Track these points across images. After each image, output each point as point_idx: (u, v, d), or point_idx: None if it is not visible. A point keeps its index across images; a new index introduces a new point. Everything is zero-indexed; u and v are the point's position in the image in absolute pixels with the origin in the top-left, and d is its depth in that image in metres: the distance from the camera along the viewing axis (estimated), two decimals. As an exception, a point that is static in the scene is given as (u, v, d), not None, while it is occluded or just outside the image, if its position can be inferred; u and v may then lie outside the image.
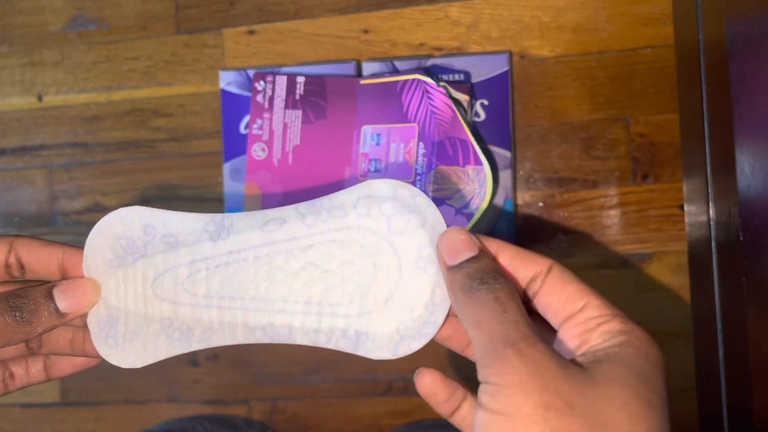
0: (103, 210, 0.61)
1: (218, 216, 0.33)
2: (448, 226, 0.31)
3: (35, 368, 0.37)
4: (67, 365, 0.36)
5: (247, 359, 0.60)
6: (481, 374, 0.26)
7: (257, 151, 0.55)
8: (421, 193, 0.31)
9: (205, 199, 0.60)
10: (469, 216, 0.52)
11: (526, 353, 0.25)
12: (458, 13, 0.56)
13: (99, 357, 0.35)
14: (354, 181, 0.54)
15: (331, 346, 0.31)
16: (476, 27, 0.56)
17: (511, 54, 0.55)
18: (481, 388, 0.26)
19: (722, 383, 0.44)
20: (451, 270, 0.30)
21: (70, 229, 0.62)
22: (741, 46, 0.39)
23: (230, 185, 0.57)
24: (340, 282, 0.31)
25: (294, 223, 0.32)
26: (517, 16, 0.55)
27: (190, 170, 0.60)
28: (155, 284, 0.33)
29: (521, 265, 0.30)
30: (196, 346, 0.33)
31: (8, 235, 0.36)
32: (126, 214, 0.33)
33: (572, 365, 0.26)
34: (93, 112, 0.61)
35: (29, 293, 0.32)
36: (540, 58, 0.55)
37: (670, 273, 0.54)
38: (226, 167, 0.57)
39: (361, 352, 0.30)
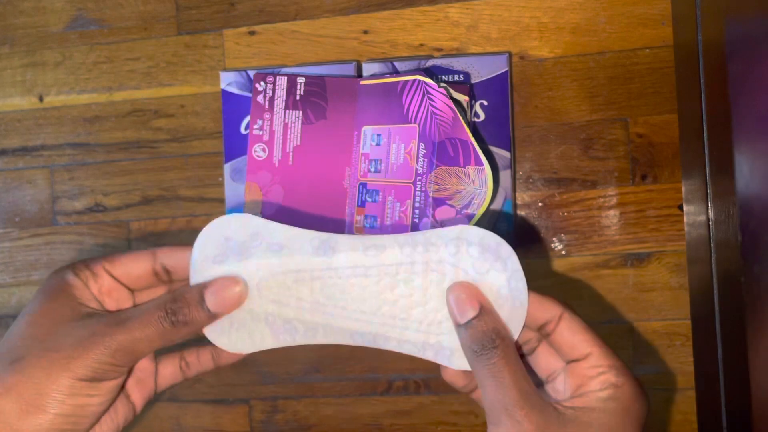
0: (104, 210, 0.61)
1: (324, 234, 0.38)
2: (510, 253, 0.36)
3: (205, 357, 0.42)
4: (230, 354, 0.40)
5: (248, 359, 0.60)
6: (488, 426, 0.31)
7: (258, 151, 0.55)
8: (506, 243, 0.36)
9: (206, 199, 0.60)
10: (470, 216, 0.52)
11: (517, 418, 0.31)
12: (458, 14, 0.56)
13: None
14: (354, 182, 0.54)
15: (420, 355, 0.37)
16: (476, 28, 0.56)
17: (510, 55, 0.55)
18: None
19: (721, 383, 0.44)
20: (458, 328, 0.35)
21: (71, 229, 0.62)
22: (740, 47, 0.39)
23: (231, 185, 0.57)
24: (429, 302, 0.36)
25: (392, 250, 0.37)
26: (516, 17, 0.55)
27: (191, 170, 0.60)
28: (261, 285, 0.38)
29: (537, 309, 0.35)
30: (300, 341, 0.38)
31: (150, 249, 0.40)
32: (238, 220, 0.38)
33: (554, 423, 0.31)
34: (94, 112, 0.62)
35: (184, 296, 0.36)
36: (539, 59, 0.55)
37: (669, 273, 0.54)
38: (227, 167, 0.57)
39: (444, 362, 0.36)
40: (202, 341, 0.44)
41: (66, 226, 0.62)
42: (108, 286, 0.39)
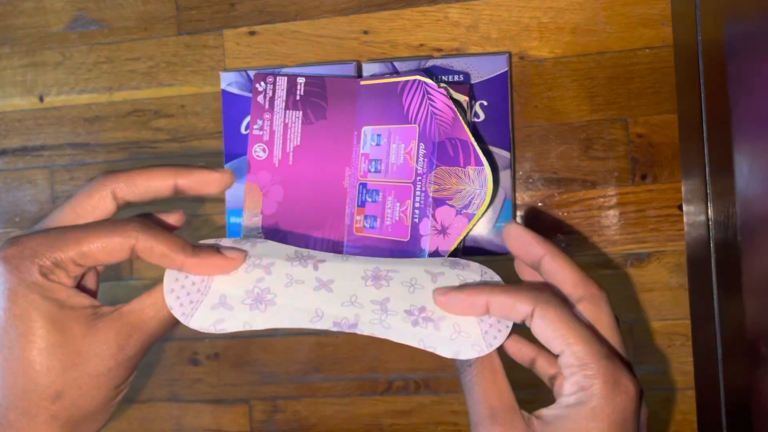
0: (104, 210, 0.61)
1: (330, 255, 0.42)
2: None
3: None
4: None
5: (248, 359, 0.60)
6: None
7: (258, 151, 0.55)
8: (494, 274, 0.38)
9: (206, 199, 0.60)
10: (470, 216, 0.52)
11: None
12: (458, 14, 0.56)
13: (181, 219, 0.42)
14: (354, 182, 0.54)
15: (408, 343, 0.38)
16: (476, 28, 0.56)
17: (510, 55, 0.55)
18: None
19: (721, 383, 0.44)
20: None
21: (71, 230, 0.62)
22: (739, 47, 0.39)
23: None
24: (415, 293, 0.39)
25: (407, 272, 0.41)
26: (516, 18, 0.55)
27: (191, 170, 0.60)
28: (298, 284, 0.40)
29: (510, 312, 0.34)
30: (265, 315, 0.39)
31: (104, 180, 0.38)
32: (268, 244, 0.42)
33: None
34: (94, 112, 0.62)
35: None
36: (539, 59, 0.55)
37: (669, 273, 0.54)
38: (227, 167, 0.57)
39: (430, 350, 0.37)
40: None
41: (66, 226, 0.62)
42: (75, 270, 0.36)
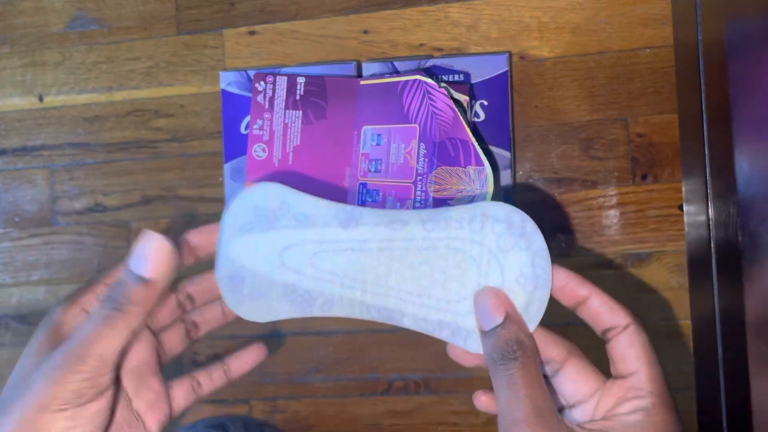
0: (104, 210, 0.61)
1: (349, 207, 0.39)
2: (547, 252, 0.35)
3: (217, 374, 0.41)
4: (240, 365, 0.40)
5: (248, 359, 0.60)
6: None
7: (258, 151, 0.55)
8: (531, 220, 0.35)
9: (206, 199, 0.60)
10: (469, 216, 0.52)
11: None
12: (458, 13, 0.56)
13: (262, 352, 0.41)
14: (354, 182, 0.54)
15: (435, 334, 0.36)
16: (476, 28, 0.56)
17: (510, 54, 0.55)
18: None
19: (721, 383, 0.44)
20: (483, 335, 0.34)
21: (71, 230, 0.62)
22: (740, 46, 0.39)
23: (231, 185, 0.57)
24: (449, 282, 0.36)
25: (415, 226, 0.37)
26: (516, 17, 0.55)
27: (191, 170, 0.60)
28: (284, 254, 0.38)
29: (604, 313, 0.34)
30: (316, 312, 0.38)
31: (68, 300, 0.38)
32: (267, 189, 0.39)
33: None
34: (94, 112, 0.62)
35: (118, 279, 0.35)
36: (539, 59, 0.55)
37: (669, 273, 0.54)
38: (227, 167, 0.57)
39: (460, 344, 0.36)
40: (212, 361, 0.44)
41: (66, 226, 0.62)
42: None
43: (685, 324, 0.54)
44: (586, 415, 0.34)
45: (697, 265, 0.50)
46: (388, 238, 0.37)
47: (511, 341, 0.33)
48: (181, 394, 0.41)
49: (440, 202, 0.52)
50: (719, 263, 0.44)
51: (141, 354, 0.39)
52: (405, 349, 0.58)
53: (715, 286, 0.44)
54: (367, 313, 0.37)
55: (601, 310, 0.34)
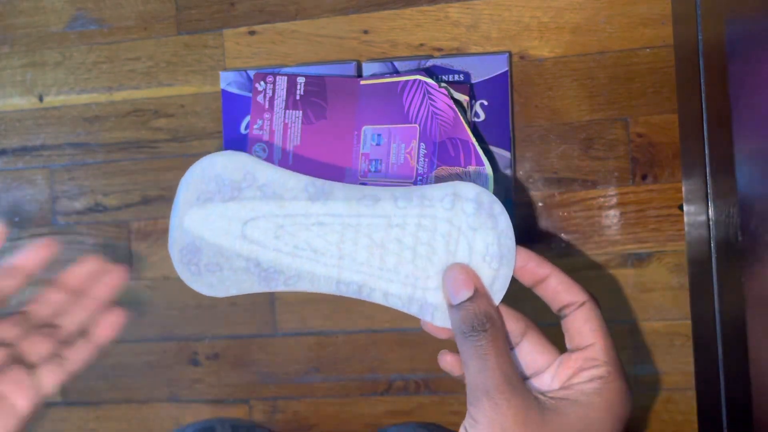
0: (103, 210, 0.61)
1: (319, 181, 0.37)
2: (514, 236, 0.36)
3: (81, 343, 0.40)
4: (102, 331, 0.39)
5: (248, 359, 0.60)
6: (468, 407, 0.32)
7: (258, 151, 0.55)
8: (499, 201, 0.36)
9: (206, 199, 0.60)
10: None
11: (497, 402, 0.32)
12: (458, 13, 0.56)
13: (121, 313, 0.38)
14: (354, 182, 0.54)
15: (404, 309, 0.36)
16: (476, 28, 0.56)
17: (510, 54, 0.55)
18: (466, 416, 0.33)
19: (721, 383, 0.44)
20: (451, 309, 0.35)
21: (71, 229, 0.62)
22: (740, 46, 0.39)
23: (231, 185, 0.57)
24: (419, 258, 0.36)
25: (387, 202, 0.37)
26: (516, 17, 0.55)
27: (191, 170, 0.60)
28: (246, 226, 0.37)
29: (563, 291, 0.36)
30: (280, 287, 0.37)
31: None
32: (231, 158, 0.37)
33: (534, 410, 0.32)
34: (94, 112, 0.62)
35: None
36: (539, 59, 0.55)
37: (669, 273, 0.54)
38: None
39: (427, 318, 0.36)
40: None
41: (66, 226, 0.62)
42: None
43: (686, 324, 0.54)
44: (544, 384, 0.36)
45: (698, 265, 0.50)
46: (358, 214, 0.36)
47: (480, 314, 0.35)
48: (47, 371, 0.40)
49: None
50: (719, 263, 0.44)
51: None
52: (405, 349, 0.58)
53: (715, 286, 0.44)
54: (336, 288, 0.37)
55: (559, 288, 0.36)
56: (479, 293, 0.35)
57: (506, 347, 0.34)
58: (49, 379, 0.40)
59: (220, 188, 0.37)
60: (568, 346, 0.35)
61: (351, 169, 0.54)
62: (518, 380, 0.33)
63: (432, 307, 0.36)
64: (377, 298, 0.37)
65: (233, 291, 0.37)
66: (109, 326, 0.40)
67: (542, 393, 0.34)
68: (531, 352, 0.36)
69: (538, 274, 0.36)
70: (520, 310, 0.37)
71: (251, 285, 0.37)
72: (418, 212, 0.36)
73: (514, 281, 0.36)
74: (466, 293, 0.35)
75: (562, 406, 0.33)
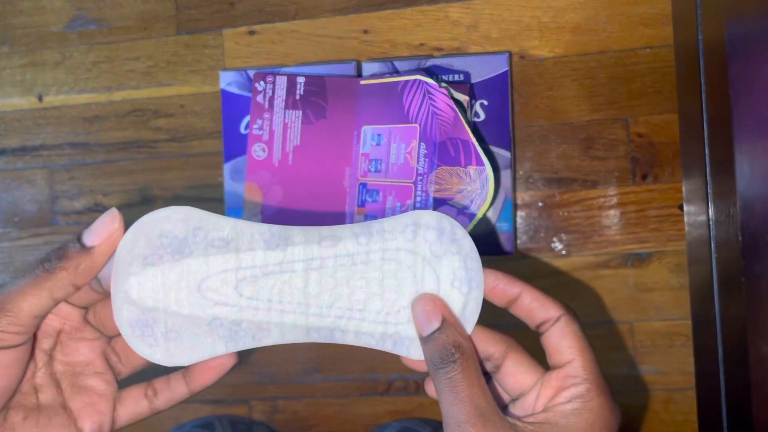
0: (103, 210, 0.61)
1: (275, 227, 0.35)
2: (471, 245, 0.35)
3: (176, 381, 0.38)
4: (203, 375, 0.37)
5: (248, 359, 0.60)
6: None
7: (257, 151, 0.55)
8: (460, 226, 0.36)
9: (206, 199, 0.60)
10: (471, 216, 0.52)
11: None
12: (458, 13, 0.56)
13: (229, 360, 0.36)
14: (354, 182, 0.54)
15: (378, 347, 0.36)
16: (476, 27, 0.56)
17: (510, 54, 0.55)
18: None
19: (722, 383, 0.44)
20: (422, 340, 0.35)
21: (71, 229, 0.62)
22: (740, 46, 0.39)
23: (230, 185, 0.57)
24: (386, 293, 0.35)
25: (348, 240, 0.35)
26: (516, 17, 0.55)
27: (191, 170, 0.60)
28: (203, 285, 0.34)
29: (536, 308, 0.35)
30: (247, 345, 0.35)
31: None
32: (176, 213, 0.34)
33: None
34: (93, 112, 0.61)
35: (63, 245, 0.34)
36: (539, 59, 0.55)
37: (670, 273, 0.54)
38: (227, 167, 0.57)
39: (403, 353, 0.35)
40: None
41: (65, 226, 0.62)
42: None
43: (686, 324, 0.54)
44: (528, 407, 0.35)
45: (698, 265, 0.50)
46: (320, 256, 0.35)
47: (449, 345, 0.34)
48: (130, 398, 0.39)
49: (441, 203, 0.52)
50: (720, 263, 0.44)
51: (83, 352, 0.38)
52: (405, 349, 0.58)
53: (715, 286, 0.44)
54: (306, 337, 0.36)
55: (532, 306, 0.35)
56: (447, 323, 0.35)
57: (479, 377, 0.34)
58: (129, 409, 0.39)
59: (167, 248, 0.34)
60: (549, 363, 0.35)
61: (351, 169, 0.54)
62: (492, 410, 0.33)
63: (408, 340, 0.36)
64: (350, 340, 0.36)
65: (197, 357, 0.35)
66: (213, 371, 0.38)
67: (521, 419, 0.33)
68: (514, 373, 0.35)
69: (510, 293, 0.35)
70: (509, 323, 0.36)
71: (216, 348, 0.35)
72: (380, 246, 0.35)
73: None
74: (435, 324, 0.34)
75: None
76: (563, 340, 0.34)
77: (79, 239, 0.33)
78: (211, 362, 0.37)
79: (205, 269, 0.34)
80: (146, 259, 0.34)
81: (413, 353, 0.35)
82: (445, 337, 0.34)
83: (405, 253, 0.35)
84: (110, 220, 0.34)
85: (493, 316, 0.37)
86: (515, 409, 0.35)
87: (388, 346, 0.36)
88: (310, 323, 0.36)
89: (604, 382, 0.34)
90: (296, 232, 0.35)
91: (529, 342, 0.36)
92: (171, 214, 0.34)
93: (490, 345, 0.36)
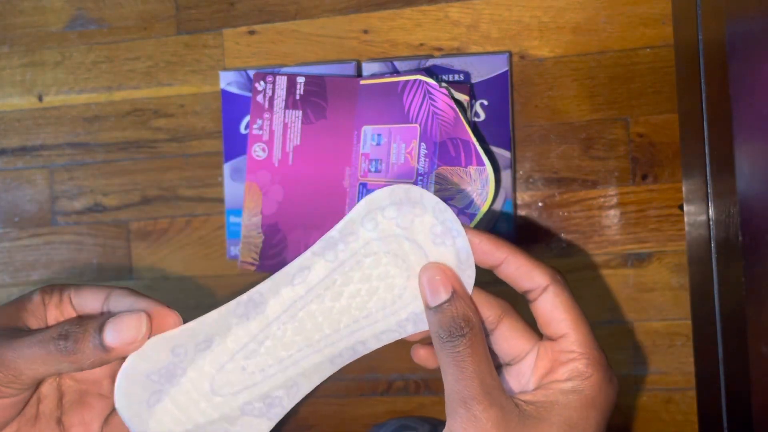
0: (103, 210, 0.61)
1: (243, 297, 0.34)
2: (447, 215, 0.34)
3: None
4: None
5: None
6: (447, 417, 0.31)
7: (257, 151, 0.55)
8: (414, 186, 0.34)
9: (206, 199, 0.60)
10: (471, 216, 0.52)
11: (474, 413, 0.30)
12: (458, 13, 0.56)
13: None
14: (354, 182, 0.54)
15: (403, 336, 0.35)
16: (476, 27, 0.56)
17: (510, 54, 0.55)
18: (446, 425, 0.31)
19: (722, 383, 0.44)
20: (428, 311, 0.33)
21: (71, 229, 0.62)
22: (740, 46, 0.39)
23: (230, 185, 0.57)
24: (379, 286, 0.34)
25: (318, 266, 0.34)
26: (516, 17, 0.55)
27: (191, 170, 0.60)
28: (214, 386, 0.34)
29: (524, 275, 0.33)
30: (289, 405, 0.35)
31: (108, 288, 0.35)
32: (147, 349, 0.33)
33: (513, 420, 0.31)
34: (93, 112, 0.61)
35: (85, 323, 0.32)
36: (540, 59, 0.55)
37: (670, 273, 0.54)
38: (227, 167, 0.57)
39: (423, 327, 0.34)
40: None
41: (65, 226, 0.62)
42: (68, 313, 0.36)
43: (686, 324, 0.54)
44: (523, 375, 0.34)
45: (698, 265, 0.50)
46: (299, 298, 0.34)
47: (458, 318, 0.32)
48: (121, 424, 0.39)
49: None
50: (720, 263, 0.44)
51: (95, 372, 0.37)
52: (405, 349, 0.58)
53: (716, 286, 0.44)
54: (333, 366, 0.35)
55: (518, 272, 0.33)
56: (458, 294, 0.33)
57: (487, 353, 0.32)
58: None
59: (159, 380, 0.34)
60: (542, 333, 0.34)
61: (351, 169, 0.54)
62: (499, 389, 0.31)
63: (423, 314, 0.35)
64: (374, 346, 0.35)
65: None
66: None
67: (521, 394, 0.32)
68: (508, 338, 0.34)
69: (494, 257, 0.33)
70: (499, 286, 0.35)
71: (261, 426, 0.35)
72: (349, 253, 0.34)
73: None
74: (444, 295, 0.33)
75: (542, 412, 0.31)
76: (555, 311, 0.32)
77: (100, 331, 0.32)
78: None
79: (206, 375, 0.34)
80: (149, 401, 0.34)
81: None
82: (454, 309, 0.32)
83: (375, 242, 0.34)
84: (137, 325, 0.33)
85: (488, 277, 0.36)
86: (509, 376, 0.34)
87: (410, 329, 0.35)
88: (328, 355, 0.35)
89: (600, 353, 0.32)
90: (264, 287, 0.34)
91: (520, 308, 0.35)
92: (143, 352, 0.33)
93: (485, 308, 0.34)
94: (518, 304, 0.35)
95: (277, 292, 0.34)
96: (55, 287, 0.35)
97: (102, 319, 0.33)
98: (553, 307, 0.32)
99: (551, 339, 0.33)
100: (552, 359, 0.33)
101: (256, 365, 0.34)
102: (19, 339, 0.32)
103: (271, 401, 0.35)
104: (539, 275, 0.33)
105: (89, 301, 0.35)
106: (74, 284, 0.36)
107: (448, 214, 0.34)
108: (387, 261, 0.34)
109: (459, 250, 0.34)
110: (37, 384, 0.34)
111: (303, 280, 0.34)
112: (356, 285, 0.34)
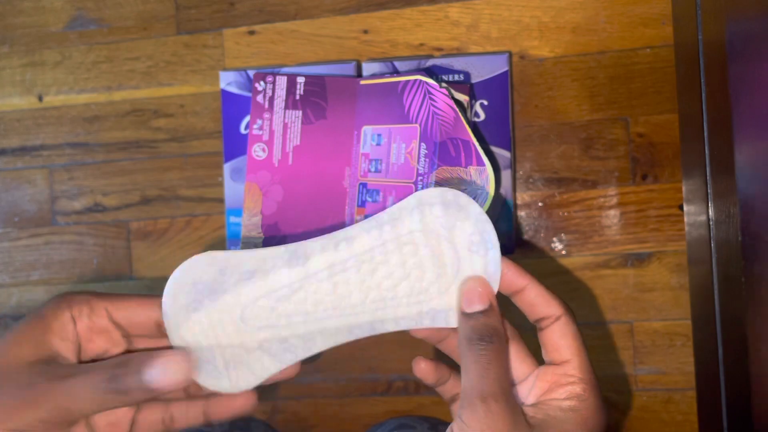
0: (103, 210, 0.61)
1: (291, 246, 0.38)
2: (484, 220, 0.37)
3: (194, 411, 0.39)
4: (224, 409, 0.38)
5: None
6: (460, 410, 0.33)
7: (257, 151, 0.55)
8: (463, 194, 0.37)
9: (206, 199, 0.60)
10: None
11: (491, 409, 0.32)
12: (458, 13, 0.56)
13: (251, 398, 0.38)
14: (354, 182, 0.54)
15: (418, 326, 0.37)
16: (476, 27, 0.56)
17: (510, 54, 0.55)
18: (456, 419, 0.33)
19: (722, 383, 0.44)
20: (463, 316, 0.36)
21: (71, 230, 0.62)
22: (740, 46, 0.39)
23: (230, 185, 0.57)
24: (411, 274, 0.37)
25: (362, 239, 0.37)
26: (516, 17, 0.55)
27: (191, 170, 0.60)
28: (244, 315, 0.37)
29: (539, 304, 0.36)
30: (301, 355, 0.37)
31: (158, 297, 0.37)
32: (200, 261, 0.37)
33: (522, 423, 0.33)
34: (93, 112, 0.61)
35: (130, 364, 0.33)
36: (539, 59, 0.55)
37: (670, 273, 0.54)
38: (227, 167, 0.57)
39: (442, 324, 0.37)
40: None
41: (65, 226, 0.62)
42: (102, 326, 0.36)
43: (686, 324, 0.54)
44: (522, 395, 0.37)
45: (698, 266, 0.50)
46: (340, 261, 0.37)
47: (489, 327, 0.35)
48: (148, 422, 0.39)
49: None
50: (719, 263, 0.44)
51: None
52: (405, 349, 0.58)
53: (716, 286, 0.44)
54: (349, 335, 0.38)
55: (536, 300, 0.37)
56: (493, 309, 0.36)
57: (508, 363, 0.36)
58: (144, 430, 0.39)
59: (202, 292, 0.37)
60: (544, 358, 0.36)
61: (351, 169, 0.54)
62: (513, 396, 0.34)
63: (443, 313, 0.37)
64: (390, 327, 0.38)
65: (257, 379, 0.37)
66: (232, 408, 0.39)
67: (532, 413, 0.35)
68: (513, 360, 0.37)
69: (516, 284, 0.37)
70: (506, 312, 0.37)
71: (275, 365, 0.37)
72: (393, 236, 0.37)
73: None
74: (480, 306, 0.36)
75: (543, 424, 0.34)
76: (562, 339, 0.36)
77: (143, 369, 0.33)
78: (233, 403, 0.38)
79: (240, 302, 0.37)
80: (189, 307, 0.37)
81: (452, 322, 0.37)
82: (487, 319, 0.36)
83: (418, 233, 0.37)
84: (184, 369, 0.34)
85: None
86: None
87: (426, 323, 0.37)
88: (349, 323, 0.38)
89: (596, 383, 0.36)
90: (311, 245, 0.37)
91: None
92: (197, 262, 0.37)
93: None
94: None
95: (322, 252, 0.37)
96: (80, 299, 0.36)
97: (144, 358, 0.34)
98: (562, 334, 0.36)
99: (554, 364, 0.36)
100: (552, 381, 0.36)
101: (284, 310, 0.37)
102: (70, 378, 0.33)
103: (287, 346, 0.37)
104: (556, 304, 0.36)
105: (137, 314, 0.37)
106: (103, 294, 0.37)
107: (488, 226, 0.37)
108: (424, 253, 0.37)
109: (489, 262, 0.37)
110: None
111: (347, 247, 0.37)
112: (391, 267, 0.37)
